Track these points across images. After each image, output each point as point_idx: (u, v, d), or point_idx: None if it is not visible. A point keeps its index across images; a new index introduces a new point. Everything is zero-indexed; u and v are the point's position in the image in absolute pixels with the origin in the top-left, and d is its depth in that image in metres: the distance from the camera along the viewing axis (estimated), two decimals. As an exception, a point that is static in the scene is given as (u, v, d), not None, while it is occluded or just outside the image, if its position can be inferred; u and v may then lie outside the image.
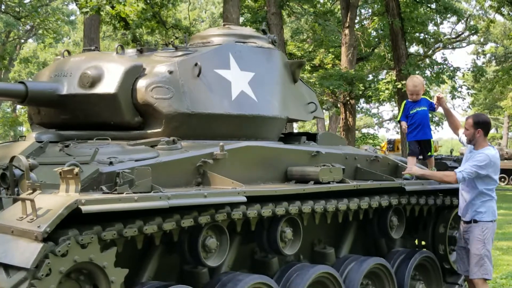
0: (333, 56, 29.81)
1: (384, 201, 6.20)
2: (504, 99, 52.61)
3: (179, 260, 5.04)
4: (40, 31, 37.89)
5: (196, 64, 5.53)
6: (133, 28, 26.97)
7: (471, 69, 28.15)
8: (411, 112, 6.74)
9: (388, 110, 68.04)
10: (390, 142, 38.40)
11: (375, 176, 6.35)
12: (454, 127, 6.81)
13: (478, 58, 48.99)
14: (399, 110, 7.06)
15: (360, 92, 26.88)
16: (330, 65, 29.33)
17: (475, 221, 6.37)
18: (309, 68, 29.88)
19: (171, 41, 6.08)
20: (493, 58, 47.95)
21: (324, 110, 40.95)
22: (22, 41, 46.60)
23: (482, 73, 28.19)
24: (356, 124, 29.61)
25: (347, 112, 27.46)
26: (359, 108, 37.12)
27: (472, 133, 6.34)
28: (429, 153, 6.84)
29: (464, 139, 6.54)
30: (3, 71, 36.56)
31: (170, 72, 5.46)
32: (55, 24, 34.18)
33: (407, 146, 6.90)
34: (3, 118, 44.78)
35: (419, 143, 6.76)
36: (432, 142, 6.89)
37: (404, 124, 6.81)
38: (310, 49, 31.30)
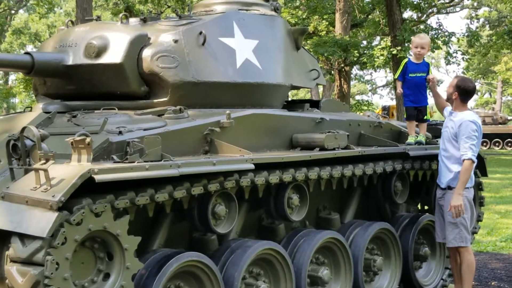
0: (327, 23, 29.63)
1: (388, 167, 6.26)
2: (498, 64, 52.60)
3: (189, 227, 5.10)
4: (31, 1, 37.52)
5: (200, 33, 5.53)
6: (127, -3, 26.81)
7: (465, 34, 28.13)
8: (410, 75, 6.72)
9: (382, 76, 68.02)
10: (384, 108, 38.31)
11: (379, 141, 6.39)
12: (441, 107, 6.74)
13: (472, 22, 48.84)
14: (397, 69, 7.04)
15: (355, 59, 26.84)
16: (324, 32, 29.18)
17: (450, 188, 6.19)
18: (305, 35, 29.76)
19: (176, 10, 6.06)
20: (486, 22, 47.84)
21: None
22: (13, 11, 46.15)
23: (476, 38, 28.16)
24: (352, 90, 29.58)
25: (342, 79, 27.44)
26: (352, 75, 37.04)
27: (451, 93, 6.31)
28: (425, 117, 6.85)
29: (446, 114, 6.54)
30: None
31: (175, 41, 5.46)
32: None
33: (405, 111, 6.91)
34: (-3, 90, 44.55)
35: (415, 108, 6.79)
36: (427, 108, 6.90)
37: (399, 85, 6.81)
38: (303, 16, 31.12)
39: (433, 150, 6.58)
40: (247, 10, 6.07)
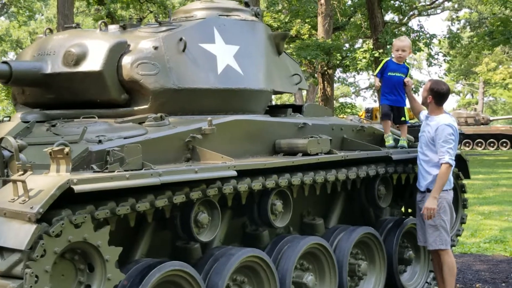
0: (309, 26, 29.76)
1: (371, 171, 6.24)
2: (479, 65, 52.96)
3: (171, 236, 5.04)
4: (12, 9, 37.29)
5: (181, 39, 5.48)
6: (108, 3, 26.69)
7: (446, 35, 28.28)
8: (389, 73, 6.70)
9: (365, 79, 68.18)
10: (368, 110, 38.42)
11: (361, 146, 6.38)
12: (417, 111, 6.75)
13: (453, 24, 49.16)
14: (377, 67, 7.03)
15: (338, 62, 26.90)
16: (307, 35, 29.28)
17: (429, 191, 6.19)
18: (286, 39, 29.79)
19: (146, 17, 6.00)
20: (467, 24, 48.14)
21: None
22: (-6, 19, 45.86)
23: (458, 40, 28.32)
24: (335, 93, 29.63)
25: (325, 82, 27.53)
26: (336, 78, 37.10)
27: (425, 97, 6.32)
28: (403, 119, 6.82)
29: (422, 118, 6.54)
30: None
31: (155, 48, 5.40)
32: (28, 1, 33.64)
33: (380, 109, 6.87)
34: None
35: (391, 108, 6.75)
36: (406, 110, 6.88)
37: (377, 80, 6.82)
38: (286, 20, 31.17)
39: (416, 153, 6.55)
40: (227, 15, 6.03)
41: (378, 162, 6.38)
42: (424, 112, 6.55)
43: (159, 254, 4.98)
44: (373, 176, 6.32)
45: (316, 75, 29.22)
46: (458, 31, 44.24)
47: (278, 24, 30.25)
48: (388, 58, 6.85)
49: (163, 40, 5.45)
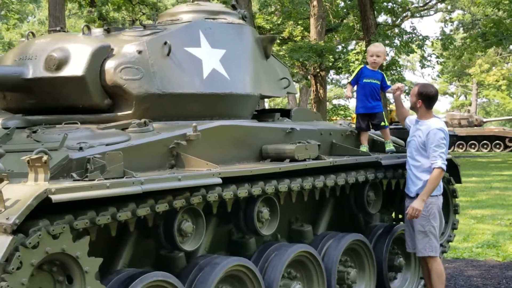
0: (302, 28, 29.69)
1: (360, 177, 6.14)
2: (472, 66, 52.99)
3: (155, 245, 4.92)
4: (2, 12, 37.10)
5: (165, 43, 5.37)
6: (99, 5, 26.56)
7: (439, 37, 28.25)
8: (364, 80, 6.60)
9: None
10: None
11: (351, 151, 6.28)
12: (402, 118, 6.66)
13: (446, 25, 49.21)
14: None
15: (330, 64, 26.86)
16: (299, 37, 29.20)
17: None
18: (279, 41, 29.72)
19: (139, 19, 5.90)
20: (460, 25, 48.17)
21: (294, 83, 40.89)
22: (-15, 21, 45.62)
23: (450, 41, 28.29)
24: (328, 95, 29.57)
25: (318, 84, 27.48)
26: (329, 80, 37.02)
27: (414, 102, 6.23)
28: (383, 124, 6.70)
29: (408, 123, 6.46)
30: (-33, 52, 35.80)
31: (139, 52, 5.28)
32: (19, 4, 33.43)
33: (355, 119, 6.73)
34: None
35: (368, 116, 6.63)
36: (383, 114, 6.79)
37: (349, 89, 6.73)
38: (278, 22, 31.12)
39: (405, 159, 6.45)
40: (213, 19, 5.91)
41: (367, 168, 6.27)
42: (410, 118, 6.48)
43: (143, 264, 4.87)
44: (362, 182, 6.21)
45: (309, 77, 29.15)
46: (451, 33, 44.29)
47: (271, 26, 30.20)
48: (363, 65, 6.76)
49: (147, 44, 5.33)
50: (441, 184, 6.29)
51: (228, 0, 21.83)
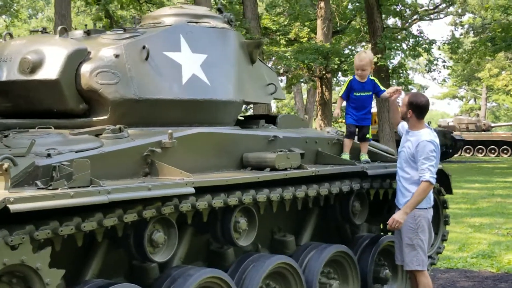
0: (308, 29, 29.48)
1: (345, 187, 5.97)
2: (481, 70, 52.66)
3: (127, 255, 4.78)
4: (12, 9, 37.16)
5: (144, 47, 5.23)
6: (103, 3, 26.46)
7: (447, 41, 28.03)
8: (355, 94, 6.48)
9: (367, 82, 67.77)
10: (367, 114, 38.12)
11: (336, 160, 6.12)
12: (396, 122, 6.50)
13: (456, 29, 48.85)
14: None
15: (336, 66, 26.65)
16: (306, 38, 29.00)
17: None
18: (285, 42, 29.55)
19: (120, 24, 5.77)
20: (471, 29, 47.82)
21: (302, 84, 40.67)
22: (-6, 17, 45.64)
23: (457, 46, 28.06)
24: (333, 97, 29.37)
25: (323, 86, 27.29)
26: (337, 81, 36.77)
27: (405, 112, 6.05)
28: (367, 136, 6.59)
29: (401, 130, 6.31)
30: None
31: (116, 56, 5.15)
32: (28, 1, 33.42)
33: (345, 128, 6.60)
34: None
35: (356, 126, 6.52)
36: (370, 128, 6.67)
37: (340, 104, 6.67)
38: (285, 23, 30.93)
39: (393, 168, 6.29)
40: (196, 22, 5.77)
41: (353, 177, 6.11)
42: (403, 124, 6.29)
43: (114, 274, 4.75)
44: (347, 192, 6.05)
45: (314, 79, 28.98)
46: (461, 36, 43.99)
47: (277, 26, 30.02)
48: (351, 78, 6.58)
49: (125, 48, 5.20)
50: (432, 196, 6.13)
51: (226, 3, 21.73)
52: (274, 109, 51.19)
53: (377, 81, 6.65)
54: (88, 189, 3.98)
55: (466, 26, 48.20)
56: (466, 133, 41.05)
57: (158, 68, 5.31)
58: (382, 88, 6.65)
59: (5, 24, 47.29)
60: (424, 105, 6.06)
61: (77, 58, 5.12)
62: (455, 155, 39.31)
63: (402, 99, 6.18)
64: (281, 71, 31.56)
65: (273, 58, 30.48)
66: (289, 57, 26.63)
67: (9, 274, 3.73)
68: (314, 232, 6.35)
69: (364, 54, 6.60)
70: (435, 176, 5.88)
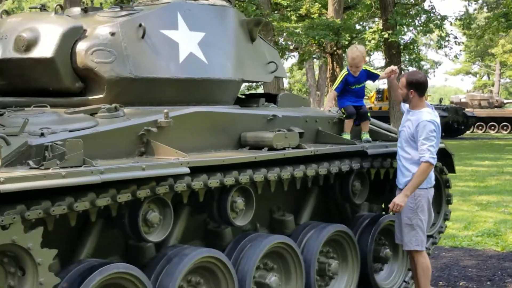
0: (319, 5, 29.23)
1: (344, 166, 5.92)
2: (495, 46, 52.20)
3: (123, 235, 4.76)
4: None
5: (140, 25, 5.18)
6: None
7: (459, 16, 27.70)
8: (350, 87, 6.52)
9: (380, 58, 67.36)
10: (379, 91, 37.96)
11: (336, 139, 6.07)
12: (399, 100, 6.40)
13: (470, 4, 48.30)
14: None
15: (347, 42, 26.44)
16: (317, 14, 28.77)
17: None
18: (295, 18, 29.32)
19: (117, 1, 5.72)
20: (484, 4, 47.30)
21: (314, 60, 40.46)
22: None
23: (469, 22, 27.73)
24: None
25: (334, 62, 27.15)
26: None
27: (406, 94, 5.98)
28: (368, 115, 6.61)
29: (403, 108, 6.24)
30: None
31: (112, 34, 5.10)
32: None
33: (343, 111, 6.51)
34: None
35: (354, 106, 6.51)
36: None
37: (333, 97, 6.66)
38: (296, -2, 30.68)
39: (394, 148, 6.23)
40: (194, 0, 5.71)
41: (353, 157, 6.06)
42: (404, 107, 6.23)
43: (110, 254, 4.74)
44: (346, 172, 6.01)
45: (325, 55, 28.82)
46: (475, 11, 43.54)
47: (288, 2, 29.76)
48: (346, 72, 6.53)
49: (121, 26, 5.15)
50: (433, 176, 6.08)
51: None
52: (286, 85, 51.05)
53: (369, 68, 6.71)
54: (80, 169, 3.96)
55: (480, 1, 47.68)
56: (479, 109, 40.82)
57: (155, 46, 5.25)
58: (376, 72, 6.76)
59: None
60: (423, 81, 6.00)
61: (72, 36, 5.07)
62: (467, 132, 39.13)
63: (399, 83, 6.09)
64: (291, 47, 31.37)
65: (284, 34, 30.30)
66: (300, 33, 26.44)
67: (1, 254, 3.73)
68: (314, 211, 6.33)
69: (356, 51, 6.48)
70: (435, 156, 5.82)
